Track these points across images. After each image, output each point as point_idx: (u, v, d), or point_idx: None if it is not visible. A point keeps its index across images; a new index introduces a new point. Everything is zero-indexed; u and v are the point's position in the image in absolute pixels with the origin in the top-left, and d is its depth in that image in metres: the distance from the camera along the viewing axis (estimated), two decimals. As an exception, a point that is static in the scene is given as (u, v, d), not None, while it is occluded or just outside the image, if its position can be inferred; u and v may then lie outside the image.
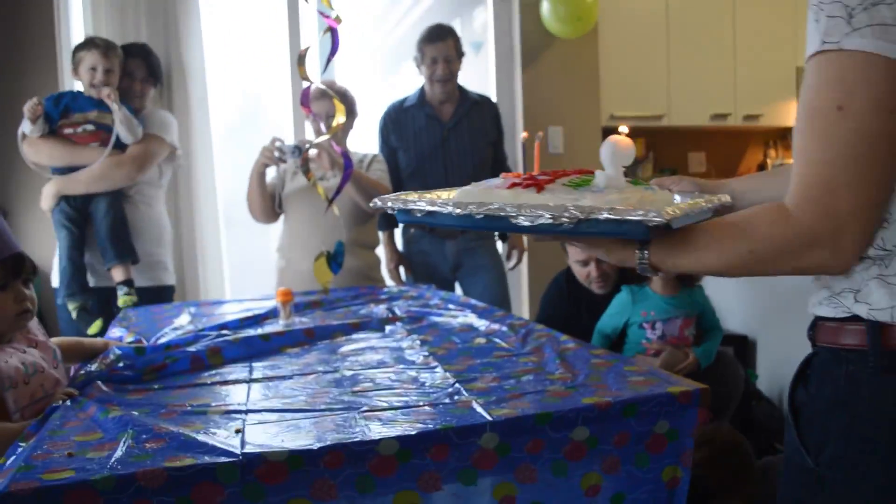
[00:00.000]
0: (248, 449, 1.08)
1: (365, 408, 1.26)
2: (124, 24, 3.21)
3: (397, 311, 2.15)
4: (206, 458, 1.05)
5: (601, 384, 1.37)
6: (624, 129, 1.20)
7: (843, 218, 0.86)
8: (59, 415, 1.30)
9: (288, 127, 3.56)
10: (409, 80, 3.36)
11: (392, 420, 1.20)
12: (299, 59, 2.14)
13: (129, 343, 1.81)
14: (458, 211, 1.04)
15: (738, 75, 4.44)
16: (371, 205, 1.18)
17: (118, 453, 1.07)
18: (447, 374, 1.47)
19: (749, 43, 4.41)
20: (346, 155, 2.08)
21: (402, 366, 1.57)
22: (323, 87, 2.38)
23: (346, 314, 2.20)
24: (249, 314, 2.12)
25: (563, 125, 3.81)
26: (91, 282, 2.71)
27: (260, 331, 1.91)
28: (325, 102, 2.72)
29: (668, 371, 2.21)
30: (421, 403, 1.29)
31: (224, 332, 1.91)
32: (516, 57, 3.81)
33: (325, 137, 2.18)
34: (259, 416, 1.25)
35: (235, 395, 1.39)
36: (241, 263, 3.96)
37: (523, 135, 1.35)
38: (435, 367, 1.54)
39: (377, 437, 1.12)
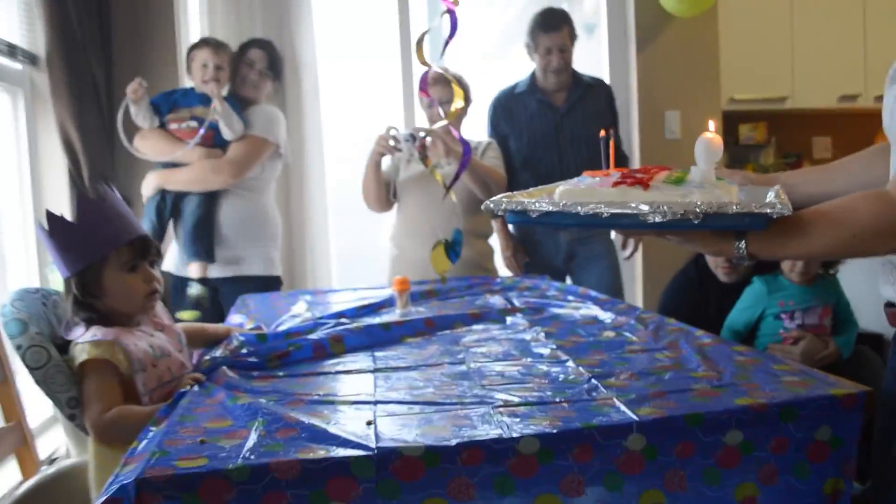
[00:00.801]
0: (382, 443, 1.03)
1: (499, 402, 1.19)
2: (240, 22, 3.25)
3: (516, 302, 2.08)
4: (340, 451, 1.01)
5: (751, 384, 1.25)
6: (712, 125, 1.19)
7: None
8: (188, 400, 1.29)
9: (398, 115, 3.53)
10: (517, 66, 3.26)
11: (529, 417, 1.12)
12: (417, 44, 2.09)
13: (250, 330, 1.81)
14: (585, 210, 1.05)
15: (868, 53, 4.12)
16: (483, 207, 1.17)
17: (250, 442, 1.05)
18: (580, 368, 1.39)
19: (880, 19, 4.09)
20: (464, 141, 2.01)
21: (529, 359, 1.49)
22: (440, 71, 2.32)
23: (463, 304, 2.14)
24: (365, 303, 2.10)
25: (680, 109, 3.63)
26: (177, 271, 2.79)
27: (379, 320, 1.87)
28: (441, 88, 2.67)
29: (809, 360, 2.10)
30: (557, 400, 1.21)
31: (343, 320, 1.89)
32: (631, 38, 3.65)
33: (441, 123, 2.11)
34: (388, 407, 1.20)
35: (361, 385, 1.34)
36: (348, 253, 3.97)
37: (601, 132, 1.37)
38: (565, 360, 1.45)
39: (517, 435, 1.05)
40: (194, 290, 2.72)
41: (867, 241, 1.01)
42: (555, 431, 1.06)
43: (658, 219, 1.02)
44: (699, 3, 3.50)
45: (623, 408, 1.14)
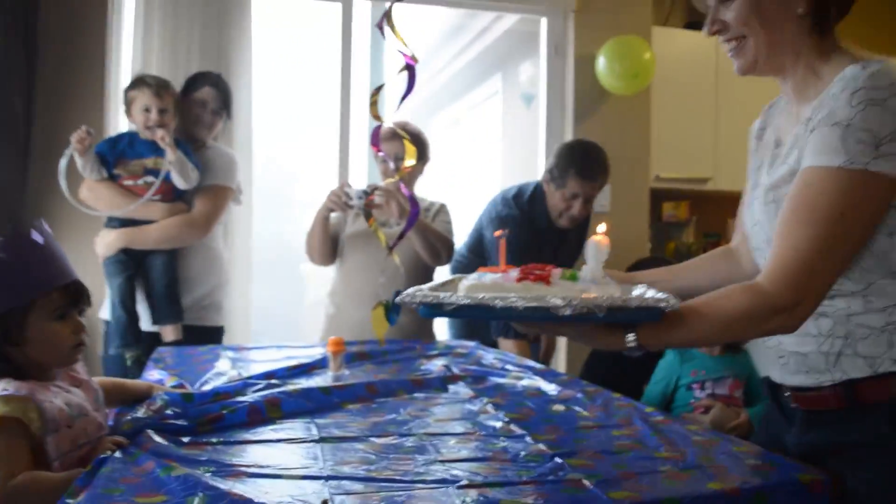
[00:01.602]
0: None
1: (463, 482, 1.10)
2: (175, 59, 3.13)
3: (454, 370, 2.00)
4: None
5: (717, 466, 1.22)
6: (602, 227, 1.30)
7: (810, 294, 1.11)
8: (110, 468, 1.14)
9: (334, 166, 3.45)
10: (443, 127, 3.25)
11: (499, 498, 1.04)
12: (371, 97, 2.04)
13: (173, 387, 1.67)
14: (501, 304, 1.09)
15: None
16: (397, 300, 1.19)
17: (193, 524, 0.92)
18: (540, 445, 1.32)
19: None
20: (413, 200, 1.95)
21: (482, 432, 1.41)
22: (393, 127, 2.26)
23: (399, 369, 2.04)
24: (296, 363, 1.98)
25: (611, 183, 3.68)
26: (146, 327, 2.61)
27: (315, 382, 1.76)
28: (395, 143, 2.60)
29: (718, 429, 2.09)
30: (524, 479, 1.13)
31: (273, 381, 1.77)
32: (568, 111, 3.71)
33: (392, 181, 2.04)
34: (343, 483, 1.09)
35: (308, 457, 1.23)
36: (265, 308, 3.83)
37: (496, 233, 1.46)
38: (522, 435, 1.38)
39: (490, 521, 0.96)
40: (131, 354, 2.52)
41: (740, 328, 1.15)
42: (531, 516, 0.98)
43: (568, 312, 1.07)
44: (635, 82, 3.61)
45: (596, 491, 1.07)
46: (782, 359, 1.28)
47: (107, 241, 2.56)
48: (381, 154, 2.37)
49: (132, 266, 2.55)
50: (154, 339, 2.58)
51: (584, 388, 1.79)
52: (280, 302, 4.26)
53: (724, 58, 1.30)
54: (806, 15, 1.20)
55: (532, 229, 2.79)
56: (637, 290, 1.25)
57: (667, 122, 3.94)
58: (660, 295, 1.13)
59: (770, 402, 1.40)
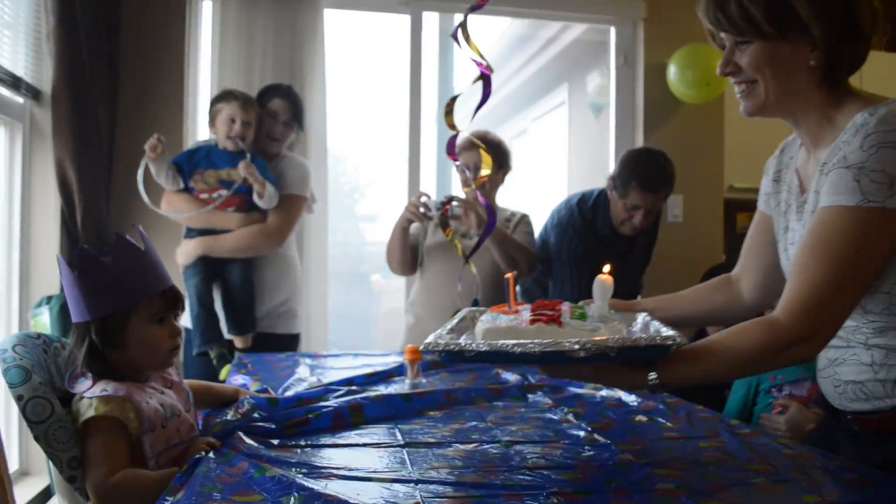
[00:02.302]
0: (440, 530, 0.92)
1: (553, 489, 1.09)
2: (250, 73, 3.21)
3: (531, 379, 1.98)
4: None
5: (811, 479, 1.18)
6: (607, 267, 1.39)
7: (825, 325, 1.16)
8: (206, 468, 1.17)
9: (403, 179, 3.48)
10: (509, 138, 3.25)
11: (592, 507, 1.03)
12: (446, 109, 2.05)
13: (256, 392, 1.70)
14: (520, 349, 1.14)
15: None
16: (421, 349, 1.25)
17: (292, 523, 0.93)
18: (626, 454, 1.30)
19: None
20: (490, 209, 1.96)
21: (566, 441, 1.39)
22: (469, 137, 2.27)
23: (475, 378, 2.04)
24: (372, 370, 2.00)
25: (683, 193, 3.64)
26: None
27: (394, 389, 1.77)
28: (473, 153, 2.61)
29: (796, 430, 2.03)
30: (613, 487, 1.11)
31: (352, 387, 1.79)
32: (638, 121, 3.68)
33: (469, 190, 2.06)
34: (432, 487, 1.09)
35: (395, 461, 1.24)
36: (341, 317, 3.88)
37: (507, 275, 1.54)
38: (607, 444, 1.36)
39: (585, 528, 0.95)
40: (215, 351, 2.61)
41: (757, 362, 1.19)
42: (625, 526, 0.97)
43: (582, 354, 1.12)
44: (707, 90, 3.55)
45: (689, 501, 1.05)
46: (838, 388, 1.32)
47: (186, 250, 2.65)
48: (459, 164, 2.38)
49: (209, 271, 2.63)
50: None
51: (665, 400, 1.76)
52: (353, 311, 4.31)
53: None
54: (818, 67, 1.23)
55: (594, 236, 2.77)
56: (638, 323, 1.38)
57: (740, 131, 3.86)
58: (667, 332, 1.21)
59: (828, 417, 1.43)
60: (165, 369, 1.45)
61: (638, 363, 1.18)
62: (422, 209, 2.51)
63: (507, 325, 1.25)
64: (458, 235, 2.66)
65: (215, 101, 2.68)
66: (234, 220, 2.63)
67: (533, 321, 1.24)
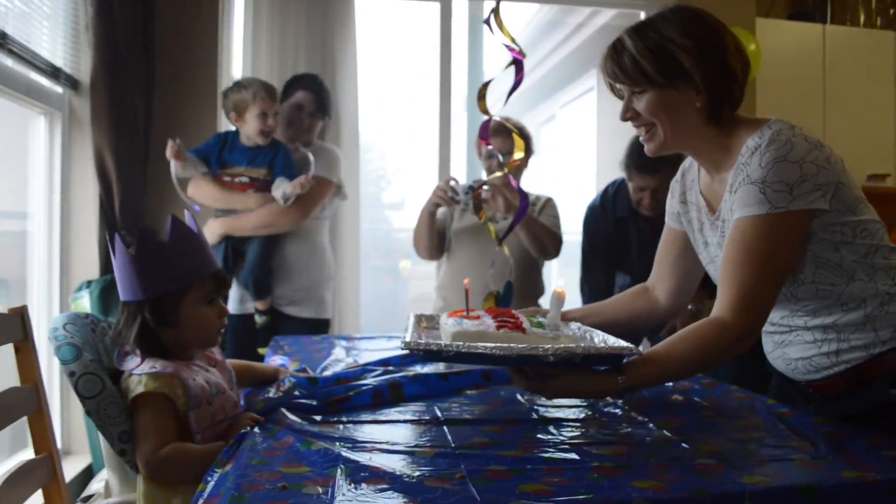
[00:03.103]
0: (484, 499, 0.94)
1: (594, 463, 1.11)
2: (284, 61, 3.24)
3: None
4: (443, 506, 0.92)
5: (851, 456, 1.18)
6: (560, 282, 1.64)
7: (760, 318, 1.36)
8: (252, 442, 1.20)
9: (433, 165, 3.50)
10: (537, 124, 3.24)
11: (631, 478, 1.04)
12: (479, 94, 2.07)
13: (295, 371, 1.73)
14: (498, 352, 1.24)
15: (902, 133, 4.15)
16: (401, 345, 1.31)
17: (341, 493, 0.96)
18: (664, 431, 1.31)
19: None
20: (522, 192, 1.97)
21: (604, 419, 1.41)
22: (501, 121, 2.28)
23: (509, 359, 2.06)
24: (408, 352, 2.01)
25: (714, 177, 3.60)
26: (234, 309, 2.78)
27: (431, 369, 1.79)
28: (501, 139, 2.61)
29: None
30: (653, 462, 1.13)
31: (389, 367, 1.81)
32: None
33: (500, 175, 2.06)
34: (475, 460, 1.12)
35: (437, 436, 1.26)
36: (368, 303, 3.91)
37: (464, 280, 1.70)
38: (644, 422, 1.38)
39: (625, 499, 0.97)
40: (261, 318, 2.72)
41: (712, 355, 1.34)
42: (665, 497, 0.98)
43: (552, 359, 1.23)
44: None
45: (729, 475, 1.06)
46: (790, 365, 1.51)
47: (210, 230, 2.72)
48: (489, 147, 2.39)
49: (230, 254, 2.72)
50: (245, 322, 2.74)
51: (700, 380, 1.76)
52: (382, 297, 4.35)
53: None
54: (703, 108, 1.41)
55: (613, 219, 2.78)
56: (574, 330, 1.55)
57: (773, 114, 3.82)
58: (622, 343, 1.37)
59: (784, 382, 1.63)
60: (211, 348, 1.48)
61: (601, 370, 1.32)
62: (449, 193, 2.52)
63: (475, 330, 1.36)
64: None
65: (234, 92, 2.70)
66: (252, 201, 2.69)
67: (499, 327, 1.37)
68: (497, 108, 2.09)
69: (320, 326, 2.84)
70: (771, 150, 1.34)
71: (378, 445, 1.19)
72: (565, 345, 1.30)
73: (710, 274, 1.60)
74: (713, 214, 1.52)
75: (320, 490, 0.97)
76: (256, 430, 1.27)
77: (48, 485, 1.56)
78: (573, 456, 1.15)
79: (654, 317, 1.78)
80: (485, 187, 2.45)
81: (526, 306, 2.69)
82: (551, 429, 1.31)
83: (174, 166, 2.64)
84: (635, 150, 2.64)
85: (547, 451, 1.17)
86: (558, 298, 1.51)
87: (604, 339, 1.45)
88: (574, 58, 5.32)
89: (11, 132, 2.70)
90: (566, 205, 2.97)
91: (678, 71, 1.39)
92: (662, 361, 1.32)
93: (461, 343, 1.28)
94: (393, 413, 1.42)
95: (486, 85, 2.06)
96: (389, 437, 1.24)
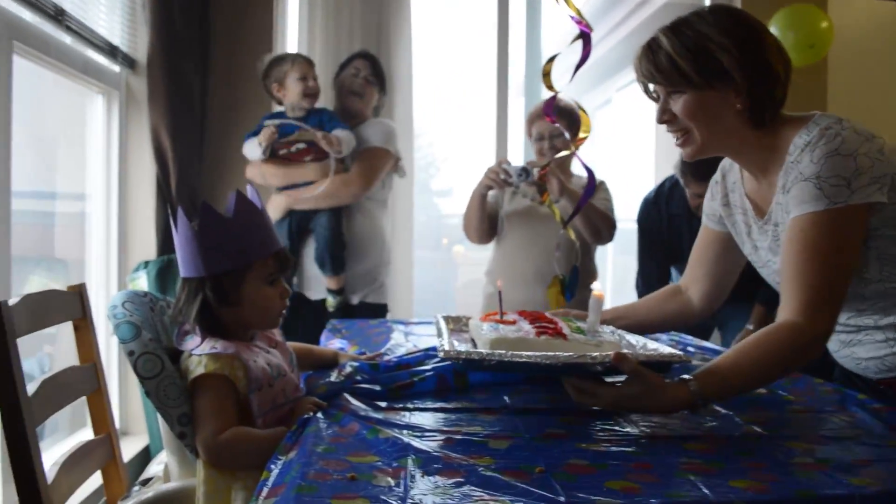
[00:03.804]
0: (571, 497, 0.87)
1: (682, 460, 1.03)
2: (338, 36, 3.19)
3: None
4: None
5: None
6: (598, 285, 1.45)
7: (833, 319, 1.28)
8: (316, 428, 1.15)
9: (485, 151, 3.42)
10: (594, 108, 3.14)
11: (726, 476, 0.96)
12: (544, 70, 1.98)
13: (356, 356, 1.68)
14: (544, 361, 1.17)
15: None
16: (440, 354, 1.25)
17: (416, 487, 0.90)
18: (753, 426, 1.22)
19: None
20: (589, 170, 1.88)
21: (685, 412, 1.32)
22: (565, 100, 2.19)
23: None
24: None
25: (784, 161, 3.45)
26: (308, 294, 2.74)
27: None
28: (546, 122, 2.52)
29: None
30: (747, 461, 1.04)
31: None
32: (737, 85, 3.50)
33: (565, 153, 1.98)
34: (553, 453, 1.04)
35: (509, 426, 1.19)
36: (421, 288, 3.87)
37: (498, 283, 1.66)
38: (728, 415, 1.29)
39: (724, 501, 0.88)
40: (334, 300, 2.68)
41: (790, 364, 1.27)
42: (767, 499, 0.90)
43: (599, 369, 1.19)
44: (811, 53, 3.35)
45: (835, 476, 0.97)
46: (859, 364, 1.46)
47: (275, 205, 2.69)
48: (552, 124, 2.29)
49: (296, 226, 2.69)
50: (321, 309, 2.66)
51: (780, 372, 1.66)
52: (434, 283, 4.30)
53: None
54: (744, 110, 1.34)
55: (667, 215, 2.68)
56: (606, 334, 1.42)
57: (846, 95, 3.65)
58: (670, 350, 1.33)
59: (846, 374, 1.55)
60: (272, 329, 1.44)
61: (684, 380, 1.21)
62: (502, 176, 2.44)
63: (515, 337, 1.30)
64: (536, 202, 2.59)
65: (274, 67, 2.69)
66: (310, 172, 2.64)
67: (539, 333, 1.31)
68: (563, 84, 2.00)
69: (378, 311, 2.80)
70: (821, 145, 1.28)
71: (448, 435, 1.12)
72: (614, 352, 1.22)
73: (765, 277, 1.54)
74: (762, 218, 1.46)
75: (391, 482, 0.91)
76: (320, 415, 1.22)
77: (107, 466, 1.53)
78: (656, 453, 1.07)
79: (686, 319, 1.72)
80: (535, 170, 2.35)
81: (580, 295, 2.62)
82: (630, 421, 1.23)
83: (253, 147, 2.63)
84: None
85: (629, 446, 1.10)
86: (597, 301, 1.42)
87: (643, 345, 1.39)
88: (633, 38, 5.17)
89: (70, 112, 2.70)
90: (623, 193, 2.87)
91: (717, 71, 1.32)
92: (734, 371, 1.23)
93: (504, 352, 1.21)
94: (462, 401, 1.35)
95: (551, 60, 1.98)
96: (459, 427, 1.18)
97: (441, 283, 4.83)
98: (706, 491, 0.90)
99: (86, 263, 2.74)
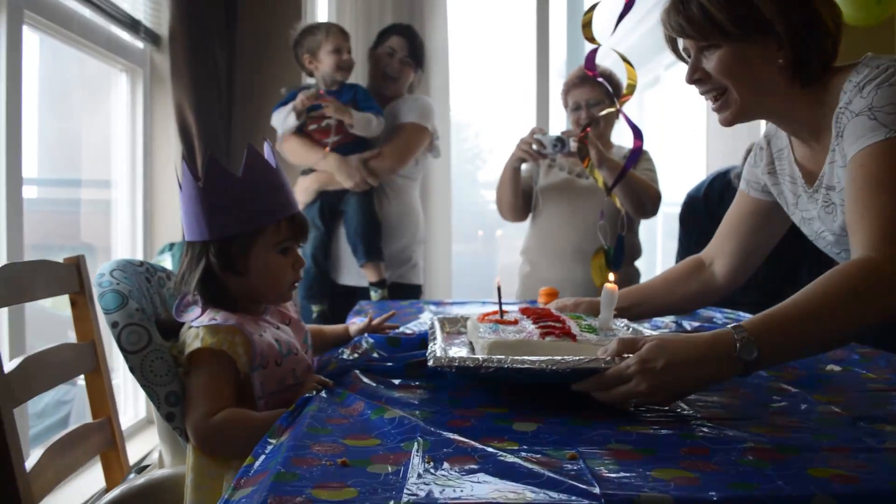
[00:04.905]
0: (607, 488, 0.70)
1: (747, 443, 0.85)
2: (369, 8, 3.05)
3: (687, 327, 1.72)
4: (553, 495, 0.69)
5: None
6: (611, 276, 1.31)
7: None
8: (316, 407, 1.00)
9: (530, 115, 3.25)
10: (641, 87, 2.92)
11: (802, 466, 0.78)
12: (584, 20, 1.80)
13: (362, 324, 1.53)
14: (551, 367, 1.00)
15: None
16: (429, 363, 1.06)
17: (415, 474, 0.74)
18: (828, 406, 1.03)
19: None
20: (636, 128, 1.70)
21: (747, 390, 1.14)
22: (611, 51, 1.99)
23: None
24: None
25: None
26: (343, 280, 2.57)
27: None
28: (585, 89, 2.34)
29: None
30: (825, 445, 0.86)
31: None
32: (796, 49, 3.26)
33: (611, 110, 1.79)
34: (593, 437, 0.87)
35: (536, 405, 1.02)
36: (464, 273, 3.73)
37: (496, 280, 1.44)
38: (799, 394, 1.10)
39: (803, 493, 0.71)
40: (377, 293, 2.49)
41: (872, 305, 1.03)
42: (856, 490, 0.71)
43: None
44: (877, 10, 3.09)
45: (939, 466, 0.79)
46: None
47: (304, 186, 2.53)
48: (585, 94, 2.13)
49: (328, 213, 2.52)
50: (349, 294, 2.52)
51: (857, 350, 1.46)
52: (475, 268, 4.15)
53: None
54: (788, 65, 1.18)
55: (714, 216, 2.44)
56: (621, 332, 1.26)
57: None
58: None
59: None
60: (283, 304, 1.29)
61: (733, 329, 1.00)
62: (535, 147, 2.25)
63: (516, 339, 1.13)
64: (573, 174, 2.40)
65: (310, 34, 2.52)
66: (332, 163, 2.48)
67: (544, 334, 1.14)
68: (606, 37, 1.82)
69: (412, 292, 2.65)
70: (870, 77, 1.14)
71: (465, 415, 0.96)
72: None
73: (822, 248, 1.39)
74: (811, 187, 1.30)
75: (389, 469, 0.75)
76: (323, 394, 1.07)
77: (106, 452, 1.41)
78: (719, 434, 0.89)
79: (708, 299, 1.57)
80: (571, 138, 2.16)
81: (624, 268, 2.42)
82: (684, 403, 1.05)
83: (284, 117, 2.48)
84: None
85: (680, 428, 0.92)
86: (610, 295, 1.26)
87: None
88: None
89: (94, 92, 2.62)
90: (672, 178, 2.66)
91: (756, 20, 1.16)
92: (796, 316, 1.00)
93: (503, 357, 1.03)
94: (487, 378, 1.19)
95: (592, 9, 1.80)
96: (480, 407, 1.02)
97: (483, 267, 4.70)
98: (778, 481, 0.73)
99: (111, 247, 2.65)
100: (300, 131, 2.53)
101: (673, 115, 5.71)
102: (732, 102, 1.23)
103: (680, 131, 5.52)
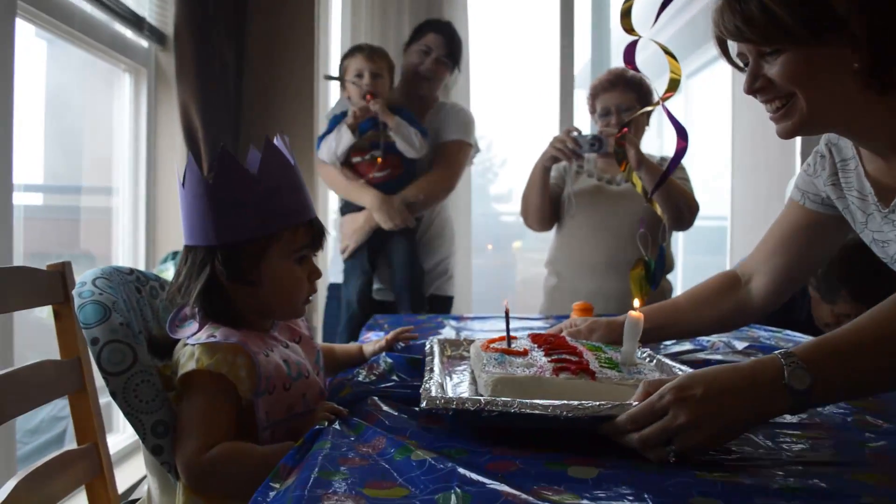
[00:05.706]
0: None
1: (786, 457, 0.69)
2: (385, 22, 2.91)
3: (738, 346, 1.56)
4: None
5: None
6: (637, 302, 1.20)
7: None
8: (329, 444, 0.84)
9: (553, 122, 3.11)
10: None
11: (840, 485, 0.62)
12: (624, 7, 1.65)
13: (378, 340, 1.38)
14: (566, 413, 0.85)
15: None
16: (423, 403, 0.91)
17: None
18: (867, 417, 0.90)
19: None
20: (681, 128, 1.55)
21: (827, 423, 0.98)
22: (654, 43, 1.84)
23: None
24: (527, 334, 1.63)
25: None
26: (378, 295, 2.43)
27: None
28: (616, 94, 2.19)
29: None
30: (868, 456, 0.71)
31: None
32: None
33: (649, 109, 1.64)
34: (667, 487, 0.71)
35: (591, 442, 0.86)
36: (482, 286, 3.62)
37: (504, 302, 1.28)
38: (890, 430, 0.94)
39: None
40: None
41: None
42: None
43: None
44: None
45: None
46: None
47: (355, 227, 2.35)
48: (601, 107, 2.00)
49: (373, 257, 2.37)
50: (380, 306, 2.39)
51: None
52: (492, 280, 4.03)
53: None
54: (863, 70, 1.02)
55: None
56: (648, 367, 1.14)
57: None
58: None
59: None
60: (296, 319, 1.14)
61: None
62: (570, 145, 2.10)
63: (524, 376, 0.99)
64: (603, 181, 2.25)
65: (343, 59, 2.38)
66: (368, 198, 2.31)
67: (558, 370, 1.00)
68: (645, 29, 1.68)
69: (446, 304, 2.53)
70: None
71: (511, 457, 0.80)
72: None
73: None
74: (886, 206, 1.14)
75: (424, 531, 0.59)
76: (336, 426, 0.91)
77: (93, 482, 1.26)
78: (830, 484, 0.73)
79: (742, 320, 1.42)
80: (625, 133, 2.00)
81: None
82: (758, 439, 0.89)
83: (337, 139, 2.31)
84: (857, 272, 1.91)
85: (768, 474, 0.76)
86: (635, 325, 1.12)
87: None
88: (703, 18, 4.79)
89: (96, 94, 2.49)
90: (696, 191, 2.50)
91: (828, 19, 1.01)
92: (858, 343, 0.85)
93: (509, 400, 0.88)
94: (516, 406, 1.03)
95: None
96: (526, 444, 0.85)
97: (501, 281, 4.60)
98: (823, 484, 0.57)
99: (112, 256, 2.52)
100: (346, 163, 2.35)
101: (696, 126, 5.56)
102: (798, 111, 1.07)
103: (704, 144, 5.37)
